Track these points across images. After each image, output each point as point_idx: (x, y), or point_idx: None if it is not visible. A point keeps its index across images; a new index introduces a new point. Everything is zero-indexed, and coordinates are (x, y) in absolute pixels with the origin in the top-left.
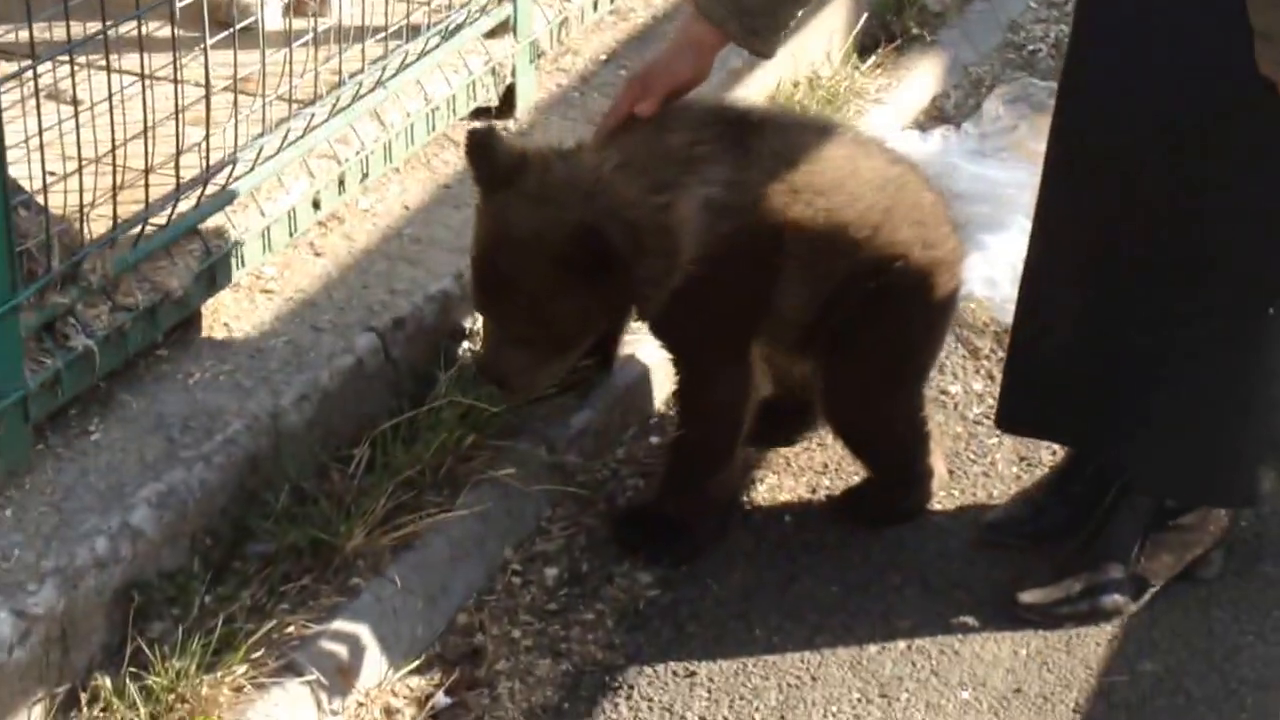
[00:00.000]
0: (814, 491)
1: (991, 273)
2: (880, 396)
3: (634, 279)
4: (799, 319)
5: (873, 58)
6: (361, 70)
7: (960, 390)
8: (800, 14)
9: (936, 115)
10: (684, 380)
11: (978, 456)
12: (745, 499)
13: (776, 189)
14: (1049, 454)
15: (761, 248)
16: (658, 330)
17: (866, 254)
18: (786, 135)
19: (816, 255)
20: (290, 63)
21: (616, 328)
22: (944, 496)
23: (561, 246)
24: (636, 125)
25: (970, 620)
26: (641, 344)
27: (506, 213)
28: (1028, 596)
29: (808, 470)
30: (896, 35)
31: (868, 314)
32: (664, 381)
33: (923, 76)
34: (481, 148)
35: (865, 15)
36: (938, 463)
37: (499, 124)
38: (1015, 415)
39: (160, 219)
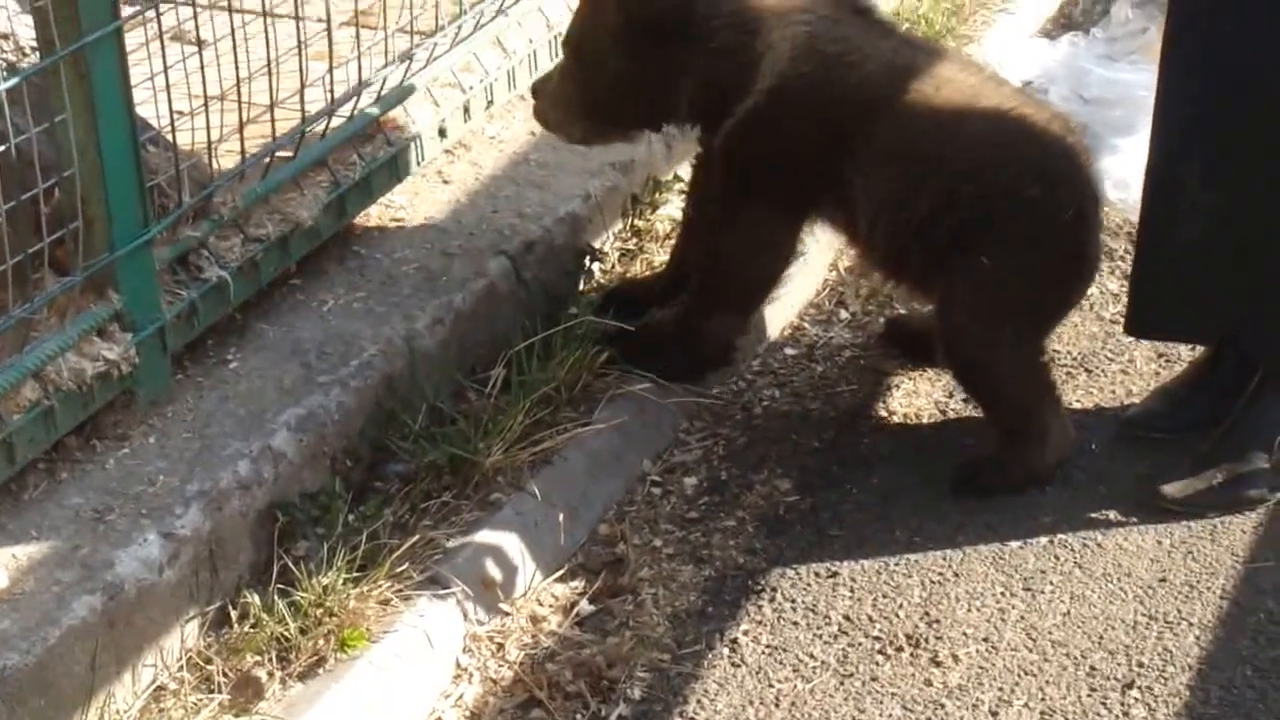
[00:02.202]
0: (950, 396)
1: (1124, 175)
2: (992, 334)
3: (692, 64)
4: (887, 227)
5: None
6: None
7: (1096, 291)
8: None
9: (1064, 22)
10: (717, 221)
11: (1115, 355)
12: (882, 405)
13: (885, 75)
14: (1188, 350)
15: (842, 115)
16: (723, 155)
17: (968, 179)
18: (917, 46)
19: (910, 161)
20: None
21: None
22: (1083, 394)
23: None
24: None
25: (1112, 514)
26: None
27: None
28: (1170, 488)
29: (943, 375)
30: None
31: (978, 243)
32: (800, 292)
33: None
34: None
35: None
36: (1065, 424)
37: None
38: (1147, 320)
39: (287, 152)
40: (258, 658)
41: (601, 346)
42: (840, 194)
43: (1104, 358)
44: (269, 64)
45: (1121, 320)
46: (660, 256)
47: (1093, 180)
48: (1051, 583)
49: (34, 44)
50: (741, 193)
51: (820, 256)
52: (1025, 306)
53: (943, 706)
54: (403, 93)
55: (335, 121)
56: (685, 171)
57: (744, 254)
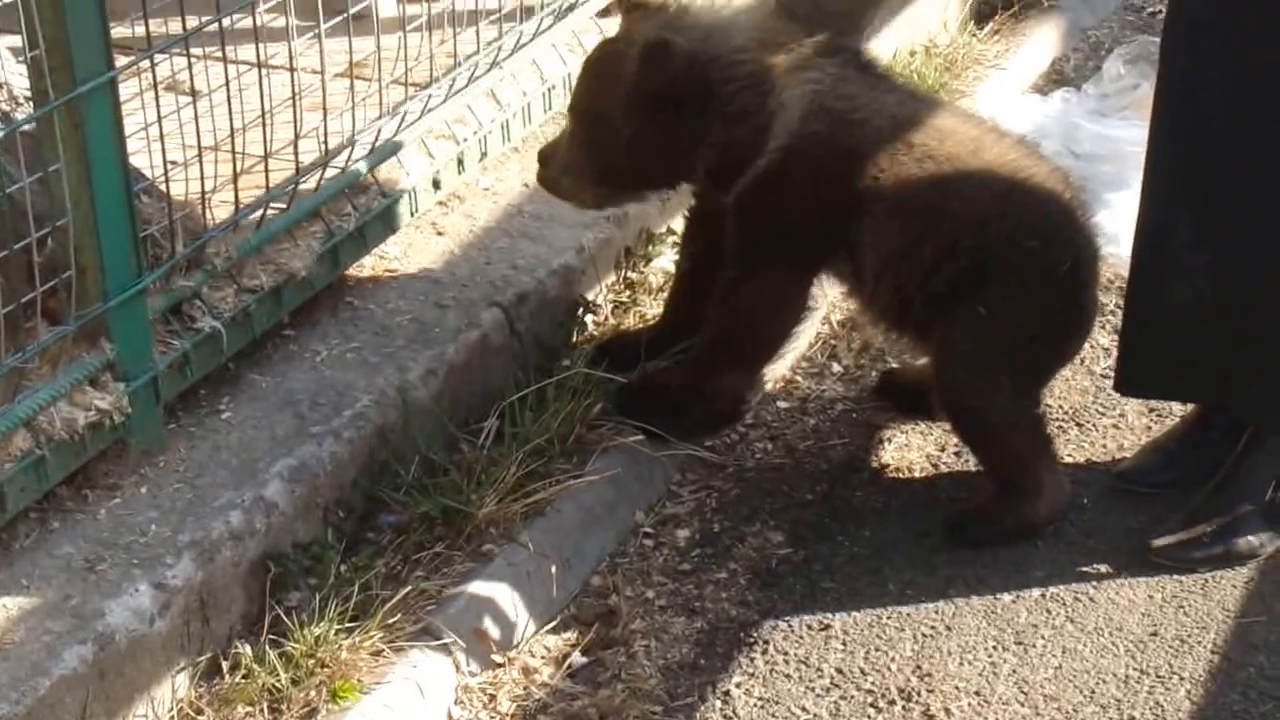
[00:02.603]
0: (942, 449)
1: (1115, 230)
2: (988, 383)
3: (709, 128)
4: (891, 279)
5: (990, 24)
6: (477, 52)
7: (1087, 345)
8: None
9: (1056, 78)
10: (733, 279)
11: (1107, 409)
12: (874, 458)
13: (890, 130)
14: (1179, 405)
15: (851, 172)
16: (737, 214)
17: (970, 231)
18: (918, 99)
19: (915, 213)
20: (405, 47)
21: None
22: (1074, 449)
23: (636, 58)
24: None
25: (1104, 567)
26: None
27: (632, 25)
28: (1161, 541)
29: (935, 429)
30: (1013, 2)
31: (974, 296)
32: (793, 345)
33: (1041, 41)
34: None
35: None
36: (1061, 480)
37: None
38: (1137, 378)
39: (281, 203)
40: (249, 708)
41: (599, 401)
42: (851, 247)
43: (1095, 412)
44: (263, 115)
45: (1112, 375)
46: (653, 309)
47: (1089, 234)
48: (1043, 636)
49: (28, 93)
50: (757, 250)
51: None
52: (1022, 357)
53: None
54: (394, 146)
55: (329, 172)
56: (678, 224)
57: (760, 311)
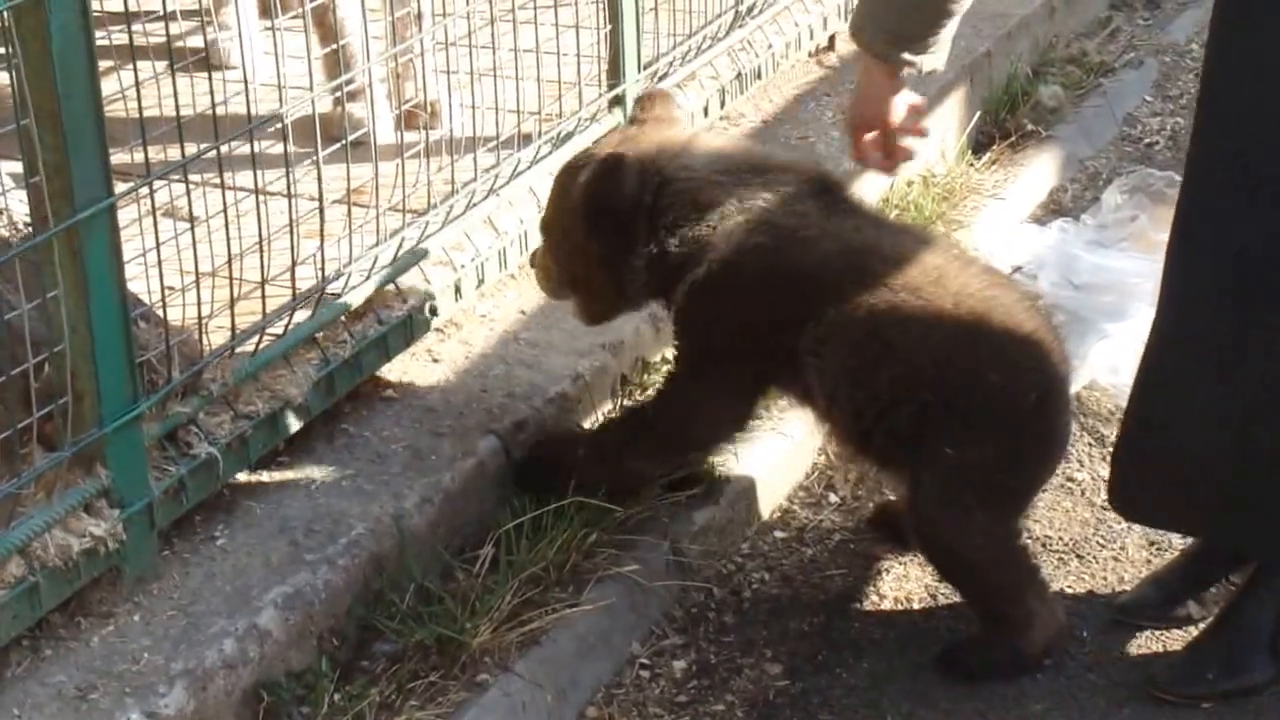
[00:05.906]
0: (941, 580)
1: (1115, 360)
2: (963, 524)
3: (651, 243)
4: (847, 405)
5: (987, 154)
6: (474, 179)
7: (1087, 477)
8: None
9: (1054, 208)
10: (674, 376)
11: (1107, 541)
12: (872, 589)
13: (842, 255)
14: (1180, 538)
15: (795, 292)
16: (676, 324)
17: (932, 364)
18: (880, 226)
19: (866, 342)
20: (403, 173)
21: None
22: (1074, 581)
23: (590, 175)
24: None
25: (1104, 702)
26: (765, 439)
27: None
28: (1163, 678)
29: None
30: (1011, 132)
31: (941, 430)
32: (789, 475)
33: (1039, 171)
34: None
35: (978, 113)
36: (1054, 609)
37: None
38: (1135, 503)
39: (278, 329)
40: None
41: (595, 530)
42: (794, 369)
43: (1095, 544)
44: (260, 241)
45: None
46: None
47: (1058, 363)
48: None
49: (28, 219)
50: (697, 356)
51: (809, 439)
52: (994, 494)
53: None
54: (394, 271)
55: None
56: (673, 353)
57: (695, 414)
